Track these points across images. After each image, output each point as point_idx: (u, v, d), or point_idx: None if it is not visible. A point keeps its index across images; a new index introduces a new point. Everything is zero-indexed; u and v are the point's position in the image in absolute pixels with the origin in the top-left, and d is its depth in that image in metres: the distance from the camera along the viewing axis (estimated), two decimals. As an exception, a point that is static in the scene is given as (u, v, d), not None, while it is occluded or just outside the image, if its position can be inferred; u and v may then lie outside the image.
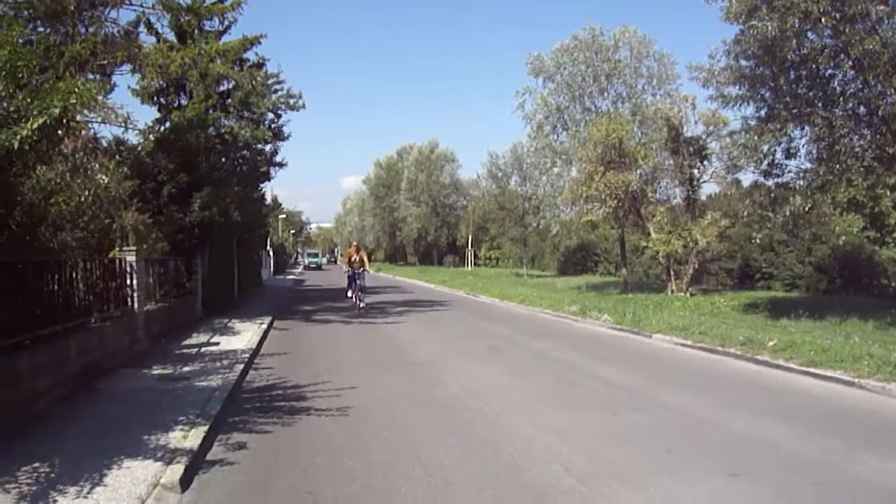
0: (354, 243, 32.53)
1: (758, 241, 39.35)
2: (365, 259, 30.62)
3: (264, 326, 22.46)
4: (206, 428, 9.46)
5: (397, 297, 38.65)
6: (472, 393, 12.74)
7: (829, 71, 21.35)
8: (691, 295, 35.54)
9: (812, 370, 14.12)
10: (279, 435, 9.70)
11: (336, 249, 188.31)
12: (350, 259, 30.07)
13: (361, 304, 29.05)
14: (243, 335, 20.21)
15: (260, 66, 31.33)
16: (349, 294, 30.19)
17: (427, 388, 13.27)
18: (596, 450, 8.99)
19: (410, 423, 10.58)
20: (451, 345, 19.30)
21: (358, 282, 29.14)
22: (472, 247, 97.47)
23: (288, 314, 28.53)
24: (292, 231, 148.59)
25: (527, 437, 9.57)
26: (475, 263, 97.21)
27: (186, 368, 14.53)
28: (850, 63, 20.05)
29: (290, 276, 76.50)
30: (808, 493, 7.37)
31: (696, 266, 37.15)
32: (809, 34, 20.48)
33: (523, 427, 10.16)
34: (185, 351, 17.15)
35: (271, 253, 72.87)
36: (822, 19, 19.28)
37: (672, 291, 36.89)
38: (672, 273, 37.88)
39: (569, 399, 12.42)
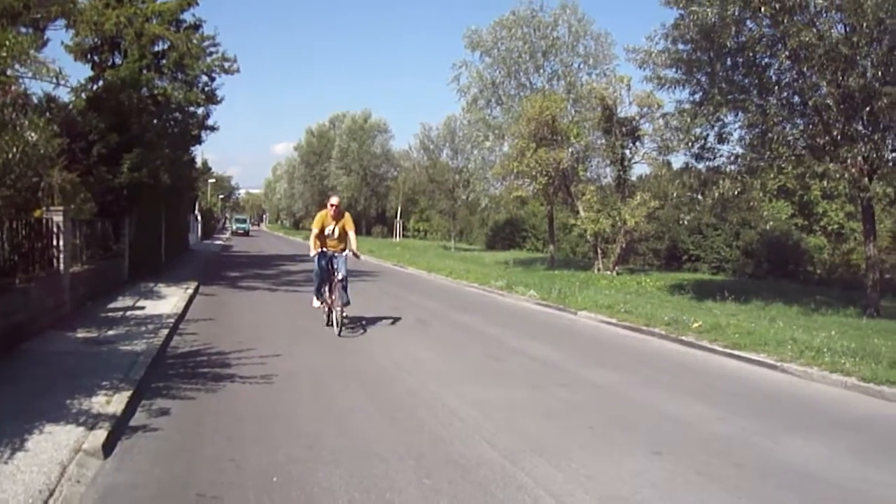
0: (333, 201, 17.00)
1: (686, 223, 39.92)
2: (351, 234, 16.79)
3: (190, 291, 22.20)
4: (129, 393, 9.31)
5: (325, 265, 38.38)
6: (398, 365, 12.75)
7: (766, 60, 21.73)
8: (618, 274, 36.04)
9: (736, 353, 14.33)
10: (203, 402, 9.58)
11: (264, 215, 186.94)
12: (322, 231, 16.55)
13: (340, 319, 16.19)
14: (169, 300, 19.95)
15: (196, 27, 30.87)
16: (316, 301, 17.22)
17: (353, 359, 13.20)
18: (520, 425, 9.03)
19: (335, 393, 10.53)
20: (377, 316, 19.23)
21: (337, 276, 16.23)
22: (400, 218, 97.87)
23: (214, 280, 28.21)
24: (221, 196, 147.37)
25: (451, 410, 9.59)
26: (403, 235, 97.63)
27: (111, 332, 14.27)
28: (787, 53, 20.38)
29: (218, 242, 75.86)
30: (729, 473, 7.46)
31: (624, 245, 37.68)
32: (748, 22, 20.82)
33: (448, 400, 10.17)
34: (110, 314, 16.86)
35: (199, 217, 72.20)
36: (762, 8, 19.58)
37: (599, 270, 37.38)
38: (599, 251, 38.38)
39: (494, 373, 12.48)
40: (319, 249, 16.46)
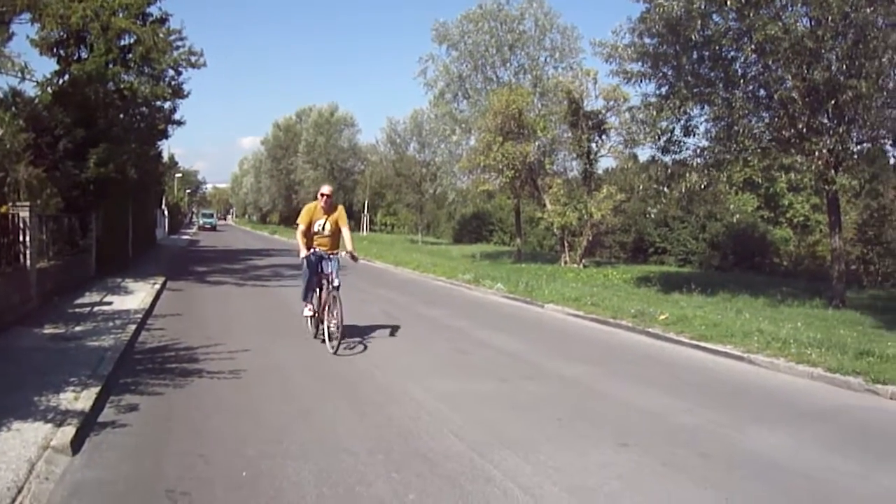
0: (325, 191, 13.94)
1: (652, 215, 40.12)
2: (345, 231, 14.13)
3: (158, 287, 22.03)
4: (97, 389, 9.21)
5: (292, 260, 38.16)
6: (366, 359, 12.74)
7: (732, 53, 21.80)
8: (584, 267, 36.17)
9: (703, 344, 14.44)
10: (172, 397, 9.51)
11: (231, 210, 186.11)
12: (309, 227, 13.76)
13: (338, 335, 13.10)
14: (137, 295, 19.79)
15: (163, 21, 30.61)
16: (307, 308, 14.40)
17: (320, 354, 13.12)
18: (488, 418, 9.03)
19: (303, 388, 10.51)
20: (345, 310, 19.17)
21: (331, 282, 13.46)
22: (368, 212, 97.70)
23: (182, 275, 28.01)
24: (188, 190, 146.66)
25: (419, 404, 9.58)
26: (371, 229, 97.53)
27: (79, 328, 14.14)
28: (753, 47, 20.46)
29: (185, 237, 75.15)
30: (696, 464, 7.51)
31: (590, 238, 37.83)
32: (714, 16, 20.89)
33: (416, 394, 10.16)
34: (77, 310, 16.69)
35: (166, 212, 71.82)
36: (728, 2, 19.67)
37: (565, 263, 37.46)
38: (566, 244, 38.44)
39: (462, 367, 12.48)
40: (310, 250, 13.61)
